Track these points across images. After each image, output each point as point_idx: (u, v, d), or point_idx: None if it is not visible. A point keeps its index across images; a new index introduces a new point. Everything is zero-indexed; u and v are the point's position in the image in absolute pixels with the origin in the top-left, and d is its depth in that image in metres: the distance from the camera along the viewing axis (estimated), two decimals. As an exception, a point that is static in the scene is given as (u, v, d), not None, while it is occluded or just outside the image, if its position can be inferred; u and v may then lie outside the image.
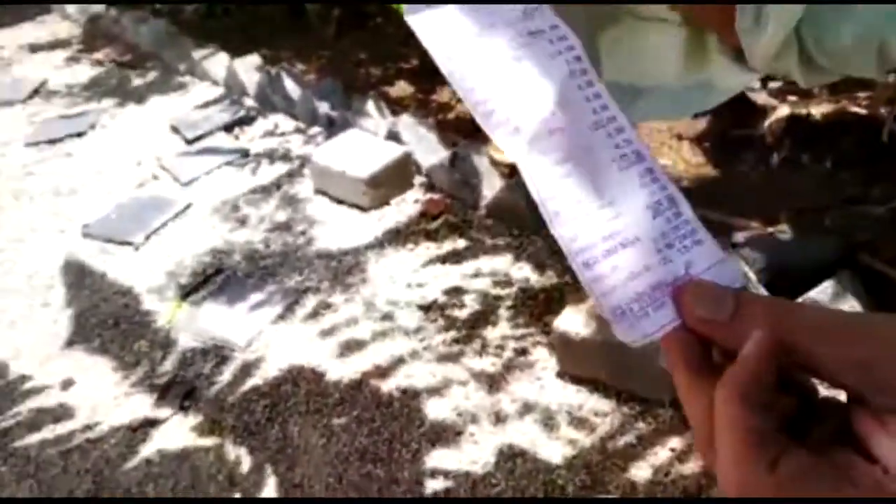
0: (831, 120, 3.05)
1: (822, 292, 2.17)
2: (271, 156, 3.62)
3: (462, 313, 2.60)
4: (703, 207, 2.72)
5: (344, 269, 2.87)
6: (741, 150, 3.09)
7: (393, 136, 3.34)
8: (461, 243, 2.89)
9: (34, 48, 5.00)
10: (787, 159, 3.00)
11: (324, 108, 3.74)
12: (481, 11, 0.55)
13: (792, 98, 3.16)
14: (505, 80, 0.51)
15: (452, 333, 2.53)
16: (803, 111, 3.08)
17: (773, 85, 3.25)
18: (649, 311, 0.47)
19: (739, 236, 2.61)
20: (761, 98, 3.22)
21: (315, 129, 3.74)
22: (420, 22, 0.54)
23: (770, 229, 2.66)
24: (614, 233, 0.48)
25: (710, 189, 2.94)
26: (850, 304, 2.14)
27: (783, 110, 3.08)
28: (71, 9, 5.28)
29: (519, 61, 0.51)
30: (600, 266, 0.48)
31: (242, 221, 3.20)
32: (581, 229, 0.48)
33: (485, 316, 2.58)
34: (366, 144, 3.28)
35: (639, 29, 0.66)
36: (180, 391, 2.48)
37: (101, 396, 2.52)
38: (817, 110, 3.09)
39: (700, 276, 0.48)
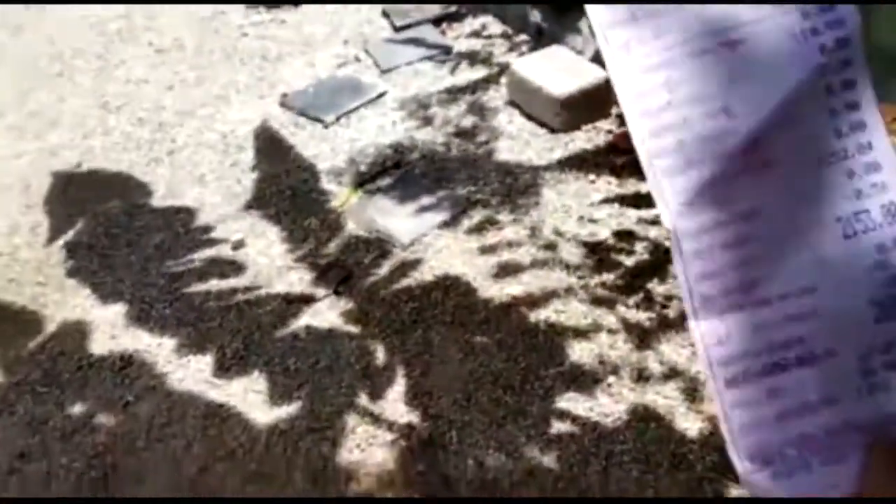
0: None
1: None
2: (473, 57, 3.55)
3: (629, 260, 2.49)
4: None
5: (519, 187, 2.81)
6: None
7: (599, 59, 3.18)
8: (645, 186, 2.75)
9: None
10: None
11: (535, 16, 3.61)
12: None
13: None
14: (695, 75, 0.41)
15: (614, 278, 2.43)
16: None
17: None
18: (813, 462, 0.36)
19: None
20: None
21: (522, 38, 3.63)
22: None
23: None
24: (794, 339, 0.36)
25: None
26: None
27: None
28: None
29: (731, 48, 0.41)
30: (753, 386, 0.37)
31: (429, 120, 3.18)
32: (739, 328, 0.37)
33: (652, 267, 2.46)
34: (569, 63, 3.14)
35: None
36: (338, 275, 2.54)
37: (266, 263, 2.63)
38: None
39: None
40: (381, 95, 3.34)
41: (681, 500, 1.91)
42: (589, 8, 0.45)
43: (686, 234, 0.38)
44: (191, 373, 2.31)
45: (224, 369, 2.31)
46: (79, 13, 4.15)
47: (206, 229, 2.79)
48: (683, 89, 0.40)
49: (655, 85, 0.41)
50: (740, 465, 0.36)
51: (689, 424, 2.04)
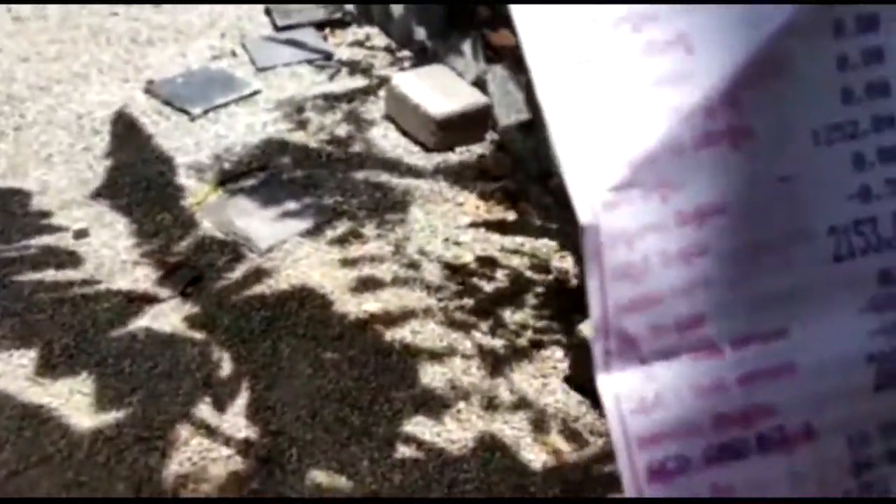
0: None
1: None
2: (353, 66, 3.48)
3: (489, 286, 2.47)
4: None
5: (387, 203, 2.75)
6: None
7: (480, 83, 3.17)
8: (511, 215, 2.75)
9: None
10: None
11: (420, 33, 3.58)
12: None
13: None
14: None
15: (472, 303, 2.40)
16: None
17: None
18: None
19: None
20: None
21: (405, 53, 3.59)
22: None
23: None
24: (757, 408, 0.24)
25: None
26: None
27: None
28: None
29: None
30: (692, 482, 0.25)
31: (303, 124, 3.08)
32: (674, 387, 0.24)
33: (511, 296, 2.44)
34: (449, 83, 3.12)
35: None
36: (186, 276, 2.40)
37: (110, 256, 2.46)
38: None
39: None
40: (254, 94, 3.22)
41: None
42: None
43: (613, 235, 0.26)
44: (11, 368, 2.11)
45: (49, 367, 2.13)
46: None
47: (47, 214, 2.59)
48: (615, 6, 0.27)
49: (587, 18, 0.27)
50: None
51: (534, 456, 2.03)
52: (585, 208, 0.26)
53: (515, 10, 0.29)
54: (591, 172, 0.26)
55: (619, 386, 0.26)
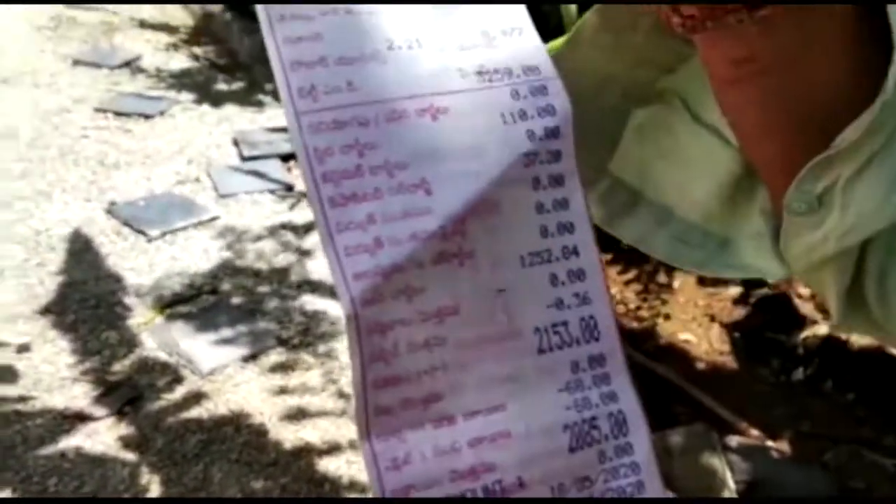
0: (870, 353, 2.90)
1: (792, 531, 2.00)
2: (313, 198, 3.58)
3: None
4: (711, 397, 2.59)
5: (332, 332, 2.78)
6: (769, 354, 2.95)
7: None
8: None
9: (143, 24, 5.13)
10: (810, 378, 2.85)
11: (381, 170, 3.71)
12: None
13: (836, 319, 3.02)
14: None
15: (411, 435, 2.41)
16: (843, 336, 2.93)
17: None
18: None
19: (734, 440, 2.46)
20: (806, 308, 3.09)
21: (365, 187, 3.71)
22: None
23: (769, 443, 2.50)
24: (483, 465, 0.32)
25: (723, 382, 2.80)
26: (819, 555, 1.97)
27: (822, 328, 2.94)
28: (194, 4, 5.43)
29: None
30: None
31: (256, 252, 3.15)
32: (419, 450, 0.33)
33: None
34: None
35: (685, 125, 0.48)
36: (126, 395, 2.40)
37: (50, 372, 2.45)
38: (858, 339, 2.95)
39: None
40: (212, 219, 3.29)
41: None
42: (260, 9, 0.40)
43: (370, 327, 0.33)
44: (-68, 482, 2.07)
45: (-28, 483, 2.08)
46: None
47: (-9, 328, 2.59)
48: (377, 155, 0.36)
49: (342, 145, 0.36)
50: None
51: None
52: (348, 303, 0.34)
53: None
54: (353, 275, 0.34)
55: (377, 448, 0.33)
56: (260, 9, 0.40)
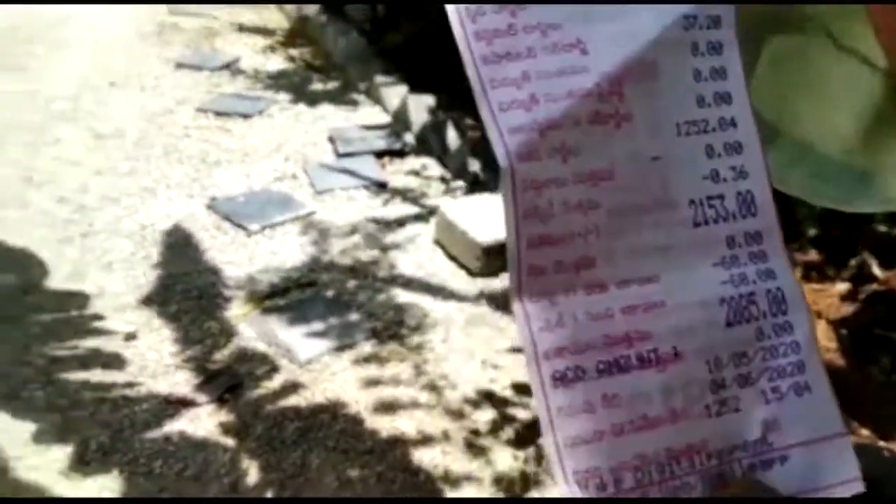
0: None
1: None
2: (407, 194, 3.61)
3: (526, 414, 2.45)
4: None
5: (429, 324, 2.79)
6: (878, 351, 2.81)
7: (527, 213, 3.25)
8: (551, 341, 2.75)
9: (242, 28, 5.27)
10: (926, 378, 2.71)
11: (475, 165, 3.71)
12: None
13: (955, 316, 2.86)
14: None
15: (506, 428, 2.39)
16: (962, 334, 2.77)
17: (940, 296, 2.96)
18: (651, 493, 0.30)
19: (844, 440, 2.35)
20: (921, 305, 2.94)
21: (458, 183, 3.71)
22: None
23: (881, 444, 2.38)
24: (637, 333, 0.32)
25: (831, 380, 2.67)
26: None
27: (939, 325, 2.79)
28: (289, 4, 5.55)
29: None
30: (586, 389, 0.31)
31: (352, 245, 3.18)
32: (571, 312, 0.32)
33: (545, 422, 2.42)
34: (498, 213, 3.20)
35: (826, 54, 0.46)
36: (226, 382, 2.45)
37: (154, 360, 2.53)
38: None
39: (788, 454, 0.31)
40: (309, 214, 3.35)
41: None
42: None
43: (526, 183, 0.33)
44: (46, 462, 2.15)
45: (83, 463, 2.16)
46: (24, 88, 4.14)
47: (100, 317, 2.69)
48: (529, 14, 0.35)
49: (494, 4, 0.36)
50: (567, 489, 0.30)
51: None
52: (503, 155, 0.33)
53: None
54: (508, 129, 0.34)
55: (529, 308, 0.32)
56: None
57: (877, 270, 3.05)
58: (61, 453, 2.18)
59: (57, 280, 2.85)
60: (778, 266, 0.33)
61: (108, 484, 2.11)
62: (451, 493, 2.16)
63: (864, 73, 0.44)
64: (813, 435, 0.32)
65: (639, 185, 0.33)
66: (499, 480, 2.22)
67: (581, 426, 0.31)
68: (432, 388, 2.50)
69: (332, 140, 3.99)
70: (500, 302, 2.92)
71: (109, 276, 2.88)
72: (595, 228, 0.33)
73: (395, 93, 4.38)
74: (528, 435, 2.36)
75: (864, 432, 2.39)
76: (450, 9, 0.35)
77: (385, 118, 4.29)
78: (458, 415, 2.41)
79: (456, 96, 4.45)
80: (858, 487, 0.31)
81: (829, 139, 0.47)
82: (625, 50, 0.34)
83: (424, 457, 2.27)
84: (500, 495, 2.17)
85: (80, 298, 2.77)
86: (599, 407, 0.31)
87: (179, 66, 4.59)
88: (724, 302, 0.32)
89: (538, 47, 0.35)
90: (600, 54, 0.34)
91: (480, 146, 3.81)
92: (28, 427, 2.25)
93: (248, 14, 5.53)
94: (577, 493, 0.31)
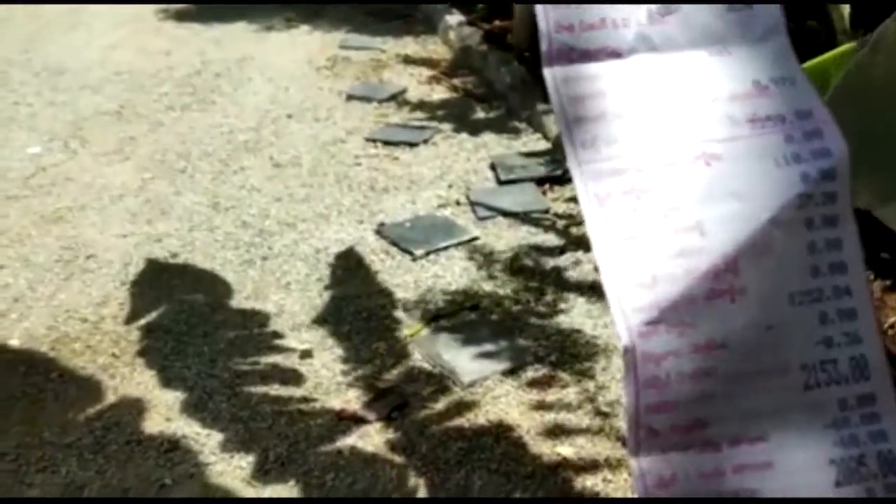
0: None
1: None
2: (568, 220, 3.63)
3: (687, 442, 2.42)
4: None
5: (589, 351, 2.80)
6: None
7: (691, 241, 3.21)
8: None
9: (408, 60, 5.47)
10: None
11: (636, 193, 3.69)
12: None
13: None
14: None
15: (669, 458, 2.36)
16: None
17: None
18: None
19: None
20: None
21: (619, 210, 3.70)
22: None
23: None
24: (746, 491, 0.32)
25: None
26: None
27: None
28: (452, 35, 5.72)
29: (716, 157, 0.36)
30: None
31: (514, 271, 3.24)
32: (684, 471, 0.33)
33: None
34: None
35: None
36: (394, 401, 2.55)
37: (328, 377, 2.67)
38: None
39: None
40: (472, 240, 3.44)
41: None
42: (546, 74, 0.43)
43: (646, 357, 0.36)
44: (231, 468, 2.32)
45: (263, 472, 2.31)
46: (213, 121, 4.48)
47: (279, 335, 2.87)
48: (652, 199, 0.37)
49: (621, 189, 0.38)
50: None
51: None
52: (626, 335, 0.35)
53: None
54: (631, 310, 0.36)
55: (645, 466, 0.34)
56: (546, 73, 0.43)
57: None
58: (244, 462, 2.35)
59: (240, 299, 3.07)
60: (890, 427, 0.34)
61: (286, 493, 2.25)
62: (612, 522, 2.16)
63: None
64: None
65: (751, 352, 0.35)
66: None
67: None
68: (596, 413, 2.51)
69: (493, 167, 4.08)
70: (662, 331, 2.89)
71: (287, 296, 3.07)
72: (710, 394, 0.34)
73: (556, 119, 4.41)
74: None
75: None
76: (580, 192, 0.38)
77: (546, 145, 4.33)
78: (621, 442, 2.41)
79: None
80: None
81: None
82: (741, 230, 0.36)
83: (587, 482, 2.28)
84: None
85: (260, 317, 2.96)
86: None
87: (350, 97, 4.83)
88: (833, 463, 0.33)
89: (658, 229, 0.37)
90: (717, 235, 0.36)
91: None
92: (215, 435, 2.43)
93: (412, 45, 5.74)
94: None
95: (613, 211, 0.36)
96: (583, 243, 3.42)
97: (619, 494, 2.24)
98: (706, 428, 0.33)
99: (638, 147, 0.38)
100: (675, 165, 0.37)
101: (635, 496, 0.32)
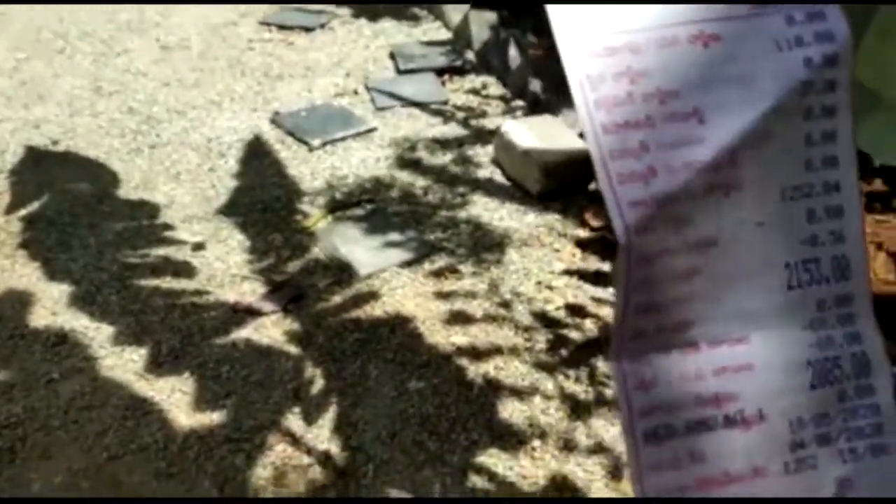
0: None
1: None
2: (468, 112, 3.61)
3: (577, 333, 2.50)
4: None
5: (486, 243, 2.83)
6: (940, 285, 2.78)
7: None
8: (607, 266, 2.78)
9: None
10: None
11: (535, 85, 3.68)
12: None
13: None
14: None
15: (559, 347, 2.44)
16: None
17: None
18: None
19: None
20: None
21: (518, 103, 3.70)
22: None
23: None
24: (726, 394, 0.33)
25: (884, 310, 2.66)
26: None
27: None
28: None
29: (707, 47, 0.34)
30: (675, 446, 0.32)
31: (413, 163, 3.21)
32: (665, 373, 0.33)
33: (598, 344, 2.47)
34: (558, 133, 3.20)
35: None
36: (290, 293, 2.54)
37: (222, 269, 2.63)
38: None
39: None
40: (370, 131, 3.38)
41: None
42: None
43: (640, 257, 0.34)
44: (122, 362, 2.28)
45: (156, 365, 2.28)
46: (94, -2, 4.19)
47: (170, 227, 2.79)
48: (648, 81, 0.36)
49: (614, 71, 0.36)
50: None
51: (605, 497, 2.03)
52: (622, 232, 0.34)
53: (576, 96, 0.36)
54: (627, 204, 0.34)
55: (627, 369, 0.33)
56: None
57: (944, 203, 2.99)
58: (136, 355, 2.31)
59: (128, 189, 2.96)
60: (865, 329, 0.34)
61: (180, 386, 2.23)
62: (502, 407, 2.24)
63: None
64: (886, 494, 0.33)
65: (741, 250, 0.34)
66: (548, 397, 2.28)
67: (667, 481, 0.32)
68: (491, 304, 2.56)
69: (392, 56, 3.99)
70: (556, 224, 2.94)
71: (178, 187, 2.97)
72: (698, 294, 0.33)
73: (458, 9, 4.33)
74: (580, 356, 2.41)
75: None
76: (571, 76, 0.36)
77: (446, 34, 4.26)
78: (514, 331, 2.47)
79: (518, 13, 4.39)
80: None
81: None
82: (741, 119, 0.34)
83: (480, 370, 2.34)
84: (552, 411, 2.24)
85: (150, 208, 2.87)
86: (686, 463, 0.33)
87: (242, -23, 4.59)
88: (809, 365, 0.34)
89: (657, 116, 0.34)
90: (717, 124, 0.34)
91: (542, 65, 3.77)
92: (105, 328, 2.37)
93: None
94: None
95: (608, 92, 0.34)
96: (482, 136, 3.42)
97: (511, 381, 2.32)
98: (690, 329, 0.33)
99: (633, 25, 0.35)
100: (671, 47, 0.34)
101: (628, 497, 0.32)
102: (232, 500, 1.96)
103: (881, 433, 0.33)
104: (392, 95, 3.64)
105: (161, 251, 2.69)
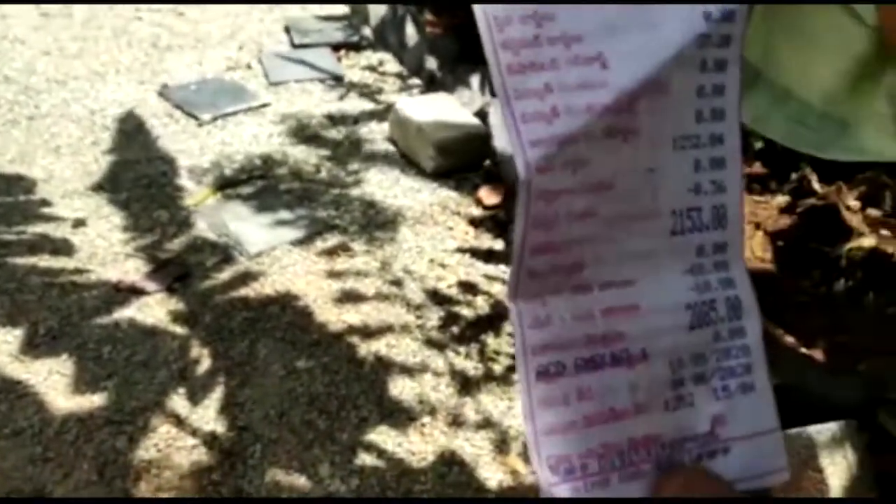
0: (916, 269, 2.87)
1: (820, 433, 2.03)
2: (363, 89, 3.58)
3: (468, 310, 2.53)
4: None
5: (378, 221, 2.83)
6: (811, 265, 2.93)
7: (482, 115, 3.26)
8: (499, 244, 2.81)
9: None
10: (851, 290, 2.84)
11: (431, 63, 3.68)
12: None
13: (885, 232, 2.98)
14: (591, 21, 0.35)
15: (450, 324, 2.46)
16: (889, 249, 2.90)
17: (874, 212, 3.07)
18: (612, 478, 0.34)
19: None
20: (855, 220, 3.05)
21: (414, 81, 3.69)
22: None
23: (803, 350, 2.52)
24: (613, 334, 0.35)
25: (762, 289, 2.79)
26: (844, 455, 2.01)
27: (868, 241, 2.91)
28: None
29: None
30: (564, 384, 0.34)
31: (306, 139, 3.17)
32: (559, 313, 0.35)
33: (489, 321, 2.50)
34: (453, 111, 3.21)
35: (817, 7, 0.47)
36: (175, 272, 2.48)
37: (104, 247, 2.54)
38: (906, 254, 2.91)
39: (731, 447, 0.34)
40: (263, 106, 3.32)
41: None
42: None
43: (540, 195, 0.34)
44: (-5, 343, 2.19)
45: (32, 346, 2.20)
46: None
47: (48, 202, 2.68)
48: (554, 25, 0.36)
49: (521, 14, 0.36)
50: (541, 473, 0.33)
51: (492, 475, 2.07)
52: (523, 169, 0.35)
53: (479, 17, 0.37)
54: (529, 143, 0.35)
55: (522, 308, 0.35)
56: None
57: (816, 185, 3.14)
58: (11, 336, 2.21)
59: (2, 163, 2.82)
60: (737, 275, 0.37)
61: (58, 367, 2.15)
62: (392, 385, 2.25)
63: (851, 27, 0.46)
64: (754, 430, 0.36)
65: (633, 195, 0.35)
66: (439, 374, 2.31)
67: (557, 417, 0.34)
68: (383, 282, 2.56)
69: (287, 30, 3.91)
70: (449, 202, 2.96)
71: (58, 161, 2.85)
72: (592, 236, 0.35)
73: (354, -17, 4.28)
74: (471, 333, 2.44)
75: (790, 339, 2.52)
76: (479, 16, 0.36)
77: (343, 9, 4.20)
78: (406, 309, 2.48)
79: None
80: (786, 476, 0.35)
81: (811, 87, 0.49)
82: (643, 66, 0.36)
83: (371, 347, 2.35)
84: (441, 387, 2.26)
85: (27, 183, 2.74)
86: (574, 400, 0.34)
87: (129, -57, 4.41)
88: (689, 307, 0.35)
89: (561, 59, 0.35)
90: (619, 69, 0.35)
91: (438, 43, 3.77)
92: (-24, 309, 2.27)
93: None
94: (548, 480, 0.34)
95: (512, 36, 0.34)
96: (377, 113, 3.40)
97: (402, 359, 2.33)
98: (582, 270, 0.34)
99: None
100: None
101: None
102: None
103: (750, 372, 0.36)
104: (286, 70, 3.58)
105: (39, 228, 2.58)
